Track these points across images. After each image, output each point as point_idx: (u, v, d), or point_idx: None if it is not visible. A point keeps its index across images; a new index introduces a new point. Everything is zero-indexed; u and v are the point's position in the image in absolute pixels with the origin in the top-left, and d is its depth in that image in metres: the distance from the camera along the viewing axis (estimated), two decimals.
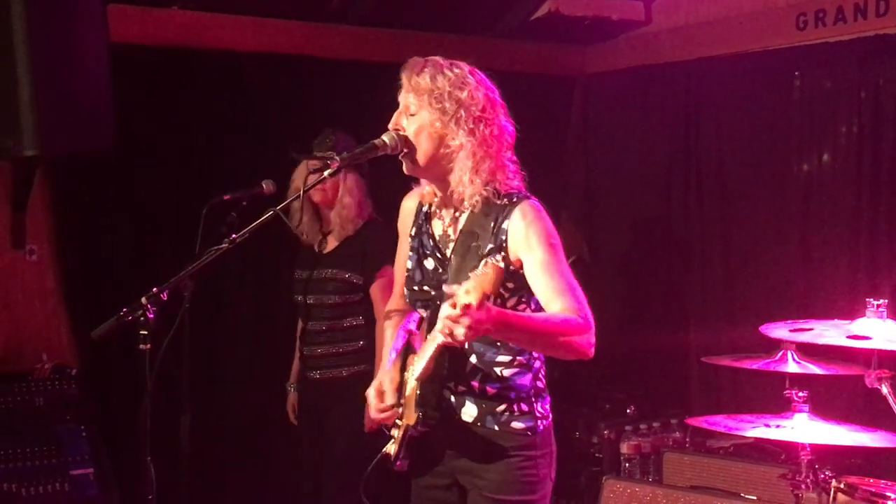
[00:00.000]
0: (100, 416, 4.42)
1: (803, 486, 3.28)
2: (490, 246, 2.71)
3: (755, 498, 3.80)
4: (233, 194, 4.15)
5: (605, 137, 6.04)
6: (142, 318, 2.78)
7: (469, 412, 2.77)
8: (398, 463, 2.79)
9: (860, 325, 3.23)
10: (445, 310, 2.34)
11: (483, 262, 2.45)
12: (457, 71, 2.73)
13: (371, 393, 2.85)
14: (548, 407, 2.83)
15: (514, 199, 2.72)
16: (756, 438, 3.78)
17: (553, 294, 2.60)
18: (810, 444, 3.25)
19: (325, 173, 2.79)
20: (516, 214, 2.70)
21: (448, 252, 2.81)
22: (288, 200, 3.10)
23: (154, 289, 2.82)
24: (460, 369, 2.75)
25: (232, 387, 5.04)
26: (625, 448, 4.74)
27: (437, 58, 2.77)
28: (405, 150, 2.74)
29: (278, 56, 5.10)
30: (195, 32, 4.89)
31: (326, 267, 4.30)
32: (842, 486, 3.18)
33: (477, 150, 2.71)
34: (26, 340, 4.66)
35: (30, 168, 4.49)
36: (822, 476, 3.27)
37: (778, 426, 3.28)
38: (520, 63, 5.74)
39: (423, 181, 2.90)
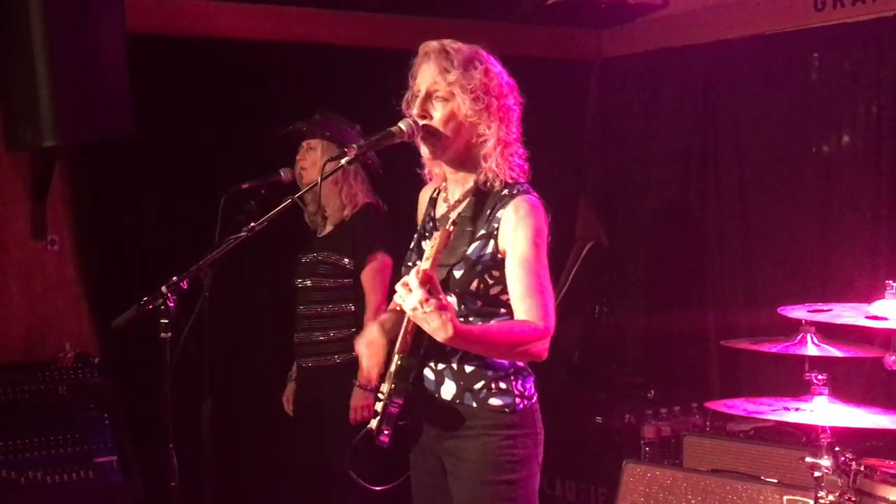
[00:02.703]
0: (122, 404, 4.45)
1: (823, 469, 3.27)
2: (482, 231, 2.77)
3: (776, 481, 3.80)
4: (251, 183, 4.17)
5: (622, 121, 6.02)
6: (162, 307, 2.80)
7: (448, 390, 2.80)
8: (380, 437, 2.79)
9: (879, 307, 3.22)
10: (405, 279, 2.50)
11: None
12: (482, 58, 2.79)
13: (362, 347, 2.90)
14: (530, 387, 2.85)
15: (515, 191, 2.78)
16: (776, 421, 3.78)
17: (522, 293, 2.70)
18: (830, 427, 3.24)
19: (343, 161, 2.81)
20: (512, 206, 2.75)
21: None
22: (306, 189, 3.11)
23: (174, 277, 2.84)
24: (440, 347, 2.76)
25: (252, 374, 5.06)
26: (645, 432, 4.73)
27: (451, 42, 2.79)
28: (428, 136, 2.76)
29: (294, 44, 5.10)
30: (212, 21, 4.90)
31: (319, 250, 4.32)
32: (862, 468, 3.18)
33: (504, 137, 2.78)
34: (49, 330, 4.69)
35: (49, 159, 4.52)
36: (843, 458, 3.26)
37: (797, 409, 3.27)
38: (536, 48, 5.73)
39: (431, 166, 2.93)
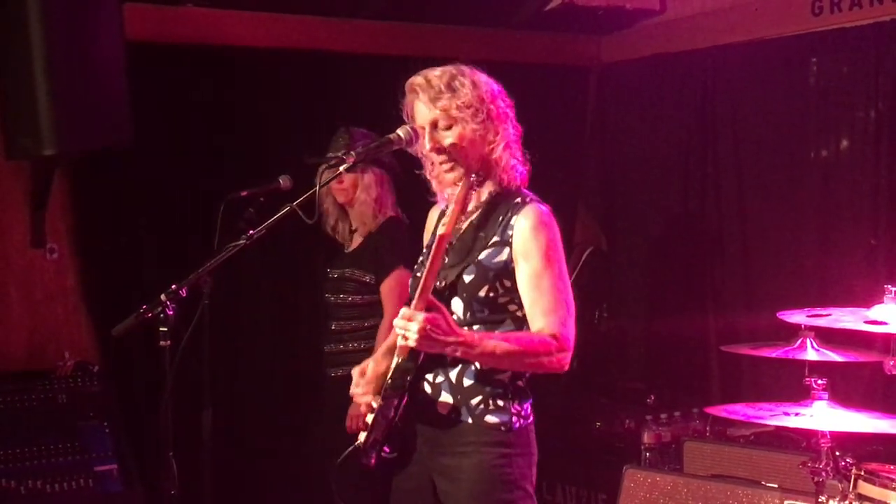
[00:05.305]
0: (122, 412, 4.45)
1: (824, 474, 3.27)
2: (496, 238, 2.78)
3: (776, 486, 3.79)
4: (250, 190, 4.16)
5: (621, 127, 6.03)
6: (161, 315, 2.80)
7: (444, 403, 2.79)
8: (365, 456, 2.76)
9: (878, 311, 3.22)
10: (402, 311, 2.57)
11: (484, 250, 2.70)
12: (464, 72, 2.81)
13: (355, 371, 2.88)
14: (527, 407, 2.83)
15: (528, 199, 2.82)
16: (776, 426, 3.77)
17: (537, 312, 2.74)
18: (830, 432, 3.24)
19: (341, 168, 2.83)
20: (525, 215, 2.77)
21: (454, 240, 2.85)
22: (303, 197, 3.11)
23: (173, 285, 2.84)
24: (439, 360, 2.77)
25: (253, 381, 5.06)
26: (645, 437, 4.74)
27: (429, 70, 2.81)
28: (449, 167, 2.80)
29: (293, 51, 5.11)
30: (210, 29, 4.90)
31: (347, 266, 4.33)
32: (862, 473, 3.17)
33: (510, 137, 2.83)
34: (48, 338, 4.69)
35: (49, 167, 4.52)
36: (843, 463, 3.26)
37: (797, 414, 3.27)
38: (535, 54, 5.74)
39: (444, 189, 2.93)
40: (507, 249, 2.76)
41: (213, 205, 3.91)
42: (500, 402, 2.77)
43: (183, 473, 2.94)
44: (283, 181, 4.30)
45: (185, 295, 2.85)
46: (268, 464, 5.03)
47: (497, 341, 2.69)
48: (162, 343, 2.81)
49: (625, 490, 4.09)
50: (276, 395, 5.06)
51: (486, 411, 2.76)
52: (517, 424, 2.77)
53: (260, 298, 5.12)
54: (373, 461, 2.75)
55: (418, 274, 2.91)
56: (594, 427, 5.12)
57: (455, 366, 2.78)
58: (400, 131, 2.81)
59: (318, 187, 2.93)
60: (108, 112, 4.04)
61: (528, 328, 2.77)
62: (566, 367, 2.73)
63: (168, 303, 2.81)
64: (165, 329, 2.81)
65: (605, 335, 5.98)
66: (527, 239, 2.74)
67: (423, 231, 3.12)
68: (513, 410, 2.77)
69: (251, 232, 2.95)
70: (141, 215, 4.81)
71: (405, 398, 2.73)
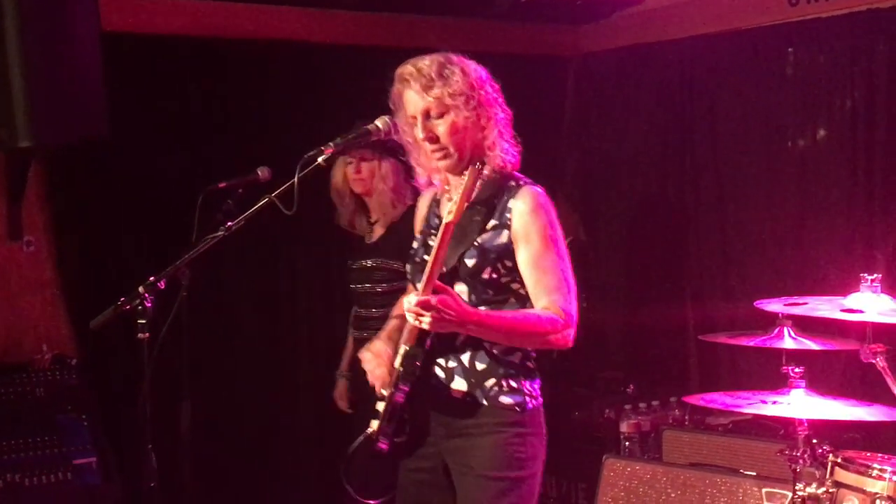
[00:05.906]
0: (100, 405, 4.43)
1: (801, 461, 3.29)
2: (494, 221, 2.82)
3: (754, 473, 3.82)
4: (228, 182, 4.14)
5: (599, 117, 6.03)
6: (139, 308, 2.80)
7: (458, 387, 2.84)
8: (379, 443, 2.80)
9: (854, 300, 3.24)
10: (410, 297, 2.60)
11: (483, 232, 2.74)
12: (452, 60, 2.83)
13: (363, 353, 2.93)
14: (537, 388, 2.90)
15: (522, 182, 2.87)
16: (754, 415, 3.80)
17: (540, 291, 2.81)
18: (807, 420, 3.27)
19: (319, 159, 2.83)
20: (523, 198, 2.82)
21: None
22: (282, 188, 3.10)
23: (151, 278, 2.83)
24: (450, 344, 2.82)
25: (231, 373, 5.04)
26: (624, 427, 4.76)
27: (418, 59, 2.83)
28: (442, 157, 2.83)
29: (272, 42, 5.08)
30: (187, 20, 4.87)
31: (372, 256, 4.32)
32: (839, 460, 3.20)
33: (501, 121, 2.88)
34: (25, 331, 4.66)
35: (24, 159, 4.49)
36: (820, 451, 3.28)
37: (775, 402, 3.29)
38: (513, 44, 5.73)
39: (433, 173, 2.95)
40: (506, 232, 2.81)
41: (191, 196, 3.90)
42: (514, 384, 2.83)
43: (162, 466, 2.93)
44: (262, 172, 4.27)
45: (163, 287, 2.85)
46: (247, 456, 5.03)
47: (506, 319, 2.76)
48: (140, 335, 2.81)
49: (604, 479, 4.11)
50: (255, 387, 5.04)
51: (501, 392, 2.82)
52: (530, 405, 2.86)
53: (240, 290, 5.11)
54: (386, 446, 2.80)
55: (417, 259, 2.95)
56: (573, 417, 5.14)
57: (466, 350, 2.83)
58: (378, 122, 2.84)
59: (295, 179, 2.93)
60: (84, 103, 4.01)
61: (530, 305, 2.83)
62: (571, 344, 2.84)
63: (146, 295, 2.81)
64: (143, 321, 2.81)
65: (583, 325, 5.98)
66: (526, 222, 2.80)
67: None
68: (526, 391, 2.85)
69: (229, 224, 2.95)
70: (118, 207, 4.78)
71: (415, 384, 2.77)
